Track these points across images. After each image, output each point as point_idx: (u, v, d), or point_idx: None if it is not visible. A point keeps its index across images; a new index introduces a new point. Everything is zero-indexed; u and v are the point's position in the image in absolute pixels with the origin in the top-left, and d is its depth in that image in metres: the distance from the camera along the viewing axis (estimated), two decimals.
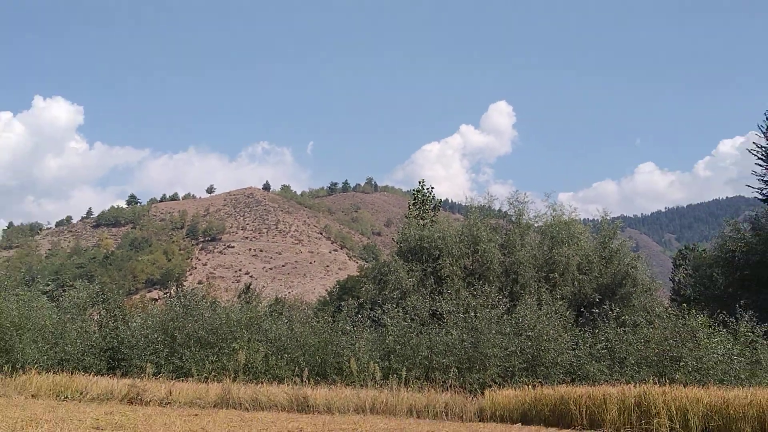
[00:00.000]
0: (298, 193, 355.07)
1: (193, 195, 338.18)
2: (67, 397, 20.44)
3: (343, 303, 31.11)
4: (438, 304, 29.20)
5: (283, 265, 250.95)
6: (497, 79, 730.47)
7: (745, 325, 25.07)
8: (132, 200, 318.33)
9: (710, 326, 25.09)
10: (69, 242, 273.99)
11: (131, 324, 29.30)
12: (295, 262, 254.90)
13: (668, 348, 24.32)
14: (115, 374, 24.83)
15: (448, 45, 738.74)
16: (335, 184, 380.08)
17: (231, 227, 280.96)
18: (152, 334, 27.89)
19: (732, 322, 25.34)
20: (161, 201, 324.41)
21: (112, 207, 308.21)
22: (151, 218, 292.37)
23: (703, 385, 18.52)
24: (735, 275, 36.02)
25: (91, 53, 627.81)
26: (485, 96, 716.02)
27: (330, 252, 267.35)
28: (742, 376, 22.47)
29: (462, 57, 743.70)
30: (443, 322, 27.00)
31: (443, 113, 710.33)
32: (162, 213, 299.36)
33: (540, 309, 27.82)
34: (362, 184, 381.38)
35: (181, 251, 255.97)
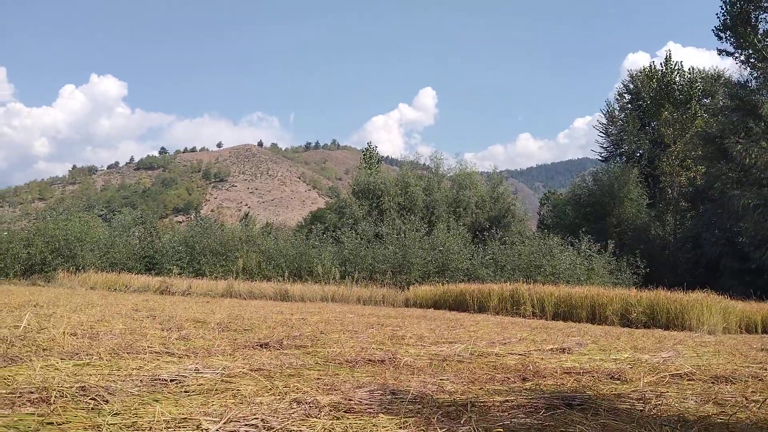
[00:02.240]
0: (283, 149, 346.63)
1: (207, 148, 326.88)
2: (115, 289, 20.03)
3: (313, 227, 30.90)
4: (379, 228, 29.32)
5: (272, 200, 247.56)
6: (426, 70, 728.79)
7: (585, 245, 25.92)
8: (163, 151, 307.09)
9: (562, 245, 25.84)
10: (117, 180, 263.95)
11: (162, 239, 28.71)
12: (281, 198, 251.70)
13: (533, 259, 25.02)
14: (151, 274, 24.43)
15: (393, 44, 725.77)
16: (309, 143, 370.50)
17: (234, 172, 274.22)
18: (177, 246, 27.38)
19: (576, 243, 26.13)
20: (184, 152, 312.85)
21: (149, 155, 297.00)
22: (176, 164, 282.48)
23: (555, 284, 19.14)
24: (580, 211, 37.00)
25: (135, 42, 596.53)
26: (417, 83, 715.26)
27: (305, 191, 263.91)
28: (582, 279, 23.33)
29: (402, 54, 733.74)
30: (383, 241, 27.19)
31: (388, 95, 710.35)
32: (184, 161, 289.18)
33: (448, 232, 28.19)
34: (329, 144, 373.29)
35: (198, 188, 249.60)
